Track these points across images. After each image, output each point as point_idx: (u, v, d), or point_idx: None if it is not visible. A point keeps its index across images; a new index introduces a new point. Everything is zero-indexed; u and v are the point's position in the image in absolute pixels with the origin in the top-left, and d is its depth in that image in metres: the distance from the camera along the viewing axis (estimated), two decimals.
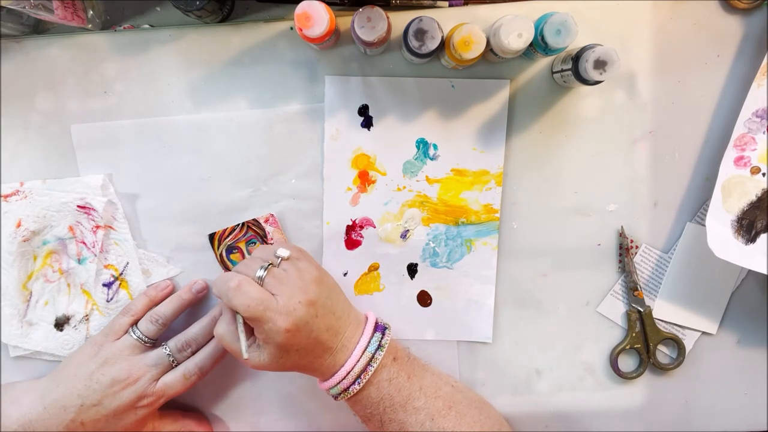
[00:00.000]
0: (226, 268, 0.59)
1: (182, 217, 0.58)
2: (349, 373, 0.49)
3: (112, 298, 0.58)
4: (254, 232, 0.58)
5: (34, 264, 0.57)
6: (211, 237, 0.58)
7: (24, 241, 0.56)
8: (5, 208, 0.56)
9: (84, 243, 0.57)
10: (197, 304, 0.58)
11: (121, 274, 0.58)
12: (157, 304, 0.56)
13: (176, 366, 0.54)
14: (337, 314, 0.50)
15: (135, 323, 0.55)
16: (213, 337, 0.56)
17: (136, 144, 0.57)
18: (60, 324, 0.58)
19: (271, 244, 0.58)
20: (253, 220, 0.58)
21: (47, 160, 0.57)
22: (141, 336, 0.53)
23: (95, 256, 0.57)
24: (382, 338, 0.51)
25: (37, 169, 0.57)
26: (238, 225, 0.58)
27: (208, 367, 0.55)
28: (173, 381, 0.53)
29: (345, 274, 0.59)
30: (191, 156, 0.57)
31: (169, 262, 0.58)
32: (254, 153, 0.57)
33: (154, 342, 0.54)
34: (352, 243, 0.59)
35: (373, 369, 0.49)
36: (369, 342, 0.50)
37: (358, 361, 0.49)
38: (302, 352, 0.48)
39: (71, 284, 0.58)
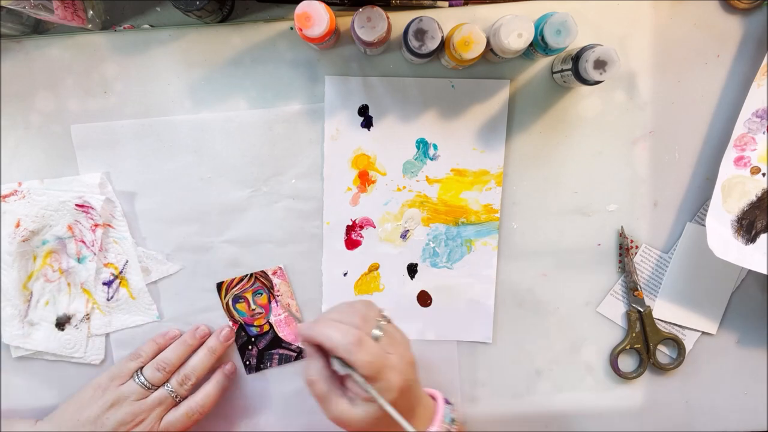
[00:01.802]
0: (231, 317, 0.59)
1: (182, 217, 0.58)
2: None
3: (112, 297, 0.58)
4: (261, 283, 0.59)
5: (34, 264, 0.58)
6: (219, 285, 0.59)
7: (23, 241, 0.56)
8: (4, 209, 0.56)
9: (83, 242, 0.57)
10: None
11: (120, 272, 0.58)
12: (163, 348, 0.57)
13: (179, 400, 0.55)
14: (419, 383, 0.50)
15: (141, 368, 0.55)
16: (211, 366, 0.57)
17: (136, 144, 0.57)
18: (61, 323, 0.58)
19: (278, 296, 0.59)
20: (261, 271, 0.59)
21: (47, 160, 0.57)
22: (145, 383, 0.54)
23: (95, 254, 0.57)
24: (452, 411, 0.51)
25: (37, 169, 0.57)
26: (246, 276, 0.59)
27: (210, 405, 0.56)
28: (176, 420, 0.54)
29: (345, 274, 0.59)
30: (191, 156, 0.57)
31: (169, 260, 0.58)
32: (254, 153, 0.57)
33: (157, 387, 0.55)
34: (352, 243, 0.59)
35: None
36: (444, 414, 0.50)
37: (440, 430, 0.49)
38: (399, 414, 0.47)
39: (71, 283, 0.58)
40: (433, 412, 0.50)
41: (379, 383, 0.44)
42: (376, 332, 0.47)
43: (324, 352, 0.46)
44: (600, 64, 0.48)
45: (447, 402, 0.52)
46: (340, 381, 0.47)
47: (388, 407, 0.44)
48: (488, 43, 0.49)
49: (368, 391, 0.44)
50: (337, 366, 0.45)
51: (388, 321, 0.49)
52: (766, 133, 0.54)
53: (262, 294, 0.59)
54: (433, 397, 0.52)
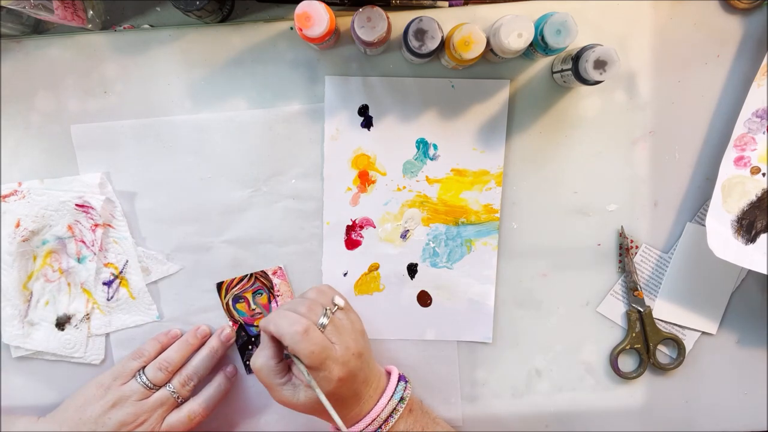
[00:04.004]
0: (232, 317, 0.59)
1: (182, 217, 0.58)
2: (373, 420, 0.50)
3: (112, 297, 0.58)
4: (261, 283, 0.59)
5: (34, 264, 0.58)
6: (219, 285, 0.59)
7: (23, 241, 0.56)
8: (4, 209, 0.56)
9: (83, 242, 0.57)
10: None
11: (121, 272, 0.58)
12: (165, 347, 0.57)
13: (181, 402, 0.55)
14: (370, 366, 0.52)
15: (143, 367, 0.55)
16: (213, 367, 0.57)
17: (136, 144, 0.57)
18: (61, 323, 0.58)
19: (278, 296, 0.59)
20: (262, 271, 0.59)
21: (47, 160, 0.57)
22: (147, 383, 0.54)
23: (95, 254, 0.57)
24: (405, 389, 0.52)
25: (37, 169, 0.57)
26: (246, 275, 0.59)
27: (212, 408, 0.56)
28: (178, 421, 0.54)
29: (345, 274, 0.59)
30: (191, 156, 0.57)
31: (169, 260, 0.58)
32: (254, 153, 0.57)
33: (159, 387, 0.55)
34: (352, 243, 0.59)
35: (394, 419, 0.50)
36: (394, 391, 0.52)
37: (383, 409, 0.50)
38: (339, 401, 0.49)
39: (71, 283, 0.58)
40: (382, 391, 0.52)
41: (320, 373, 0.47)
42: (323, 320, 0.49)
43: (279, 342, 0.49)
44: (600, 64, 0.48)
45: (404, 380, 0.53)
46: (288, 366, 0.50)
47: (324, 400, 0.47)
48: (488, 43, 0.49)
49: (308, 381, 0.47)
50: (289, 352, 0.48)
51: (340, 308, 0.51)
52: (766, 133, 0.54)
53: (262, 294, 0.59)
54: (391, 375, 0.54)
